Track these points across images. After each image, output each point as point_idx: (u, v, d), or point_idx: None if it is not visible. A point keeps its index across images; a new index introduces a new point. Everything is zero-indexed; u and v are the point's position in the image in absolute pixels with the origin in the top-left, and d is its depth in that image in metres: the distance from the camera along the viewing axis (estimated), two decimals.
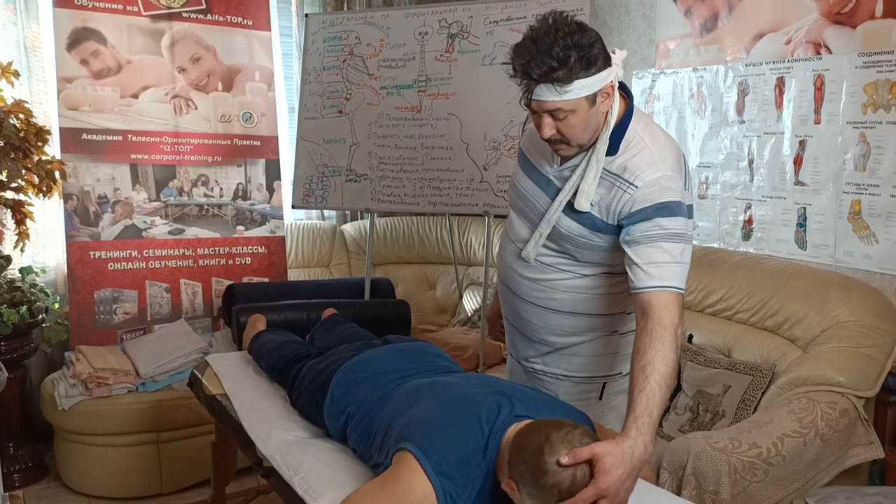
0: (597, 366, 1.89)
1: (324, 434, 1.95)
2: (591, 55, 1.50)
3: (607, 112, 1.61)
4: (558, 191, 1.70)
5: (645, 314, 1.55)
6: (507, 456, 1.40)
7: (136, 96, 3.55)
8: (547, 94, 1.51)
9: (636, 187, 1.61)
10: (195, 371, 2.56)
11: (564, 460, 1.30)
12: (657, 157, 1.63)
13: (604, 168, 1.65)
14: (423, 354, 1.96)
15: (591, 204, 1.66)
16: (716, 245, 3.37)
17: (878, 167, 2.79)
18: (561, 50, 1.46)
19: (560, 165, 1.71)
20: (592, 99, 1.54)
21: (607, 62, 1.55)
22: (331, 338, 2.52)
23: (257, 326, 2.69)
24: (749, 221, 3.29)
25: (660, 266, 1.57)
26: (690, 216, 1.65)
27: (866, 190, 2.84)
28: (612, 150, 1.64)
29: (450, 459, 1.42)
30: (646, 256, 1.58)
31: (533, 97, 1.52)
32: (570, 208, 1.70)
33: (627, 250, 1.62)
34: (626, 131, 1.65)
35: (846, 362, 2.31)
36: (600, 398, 1.92)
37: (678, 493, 1.99)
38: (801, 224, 3.08)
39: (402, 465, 1.42)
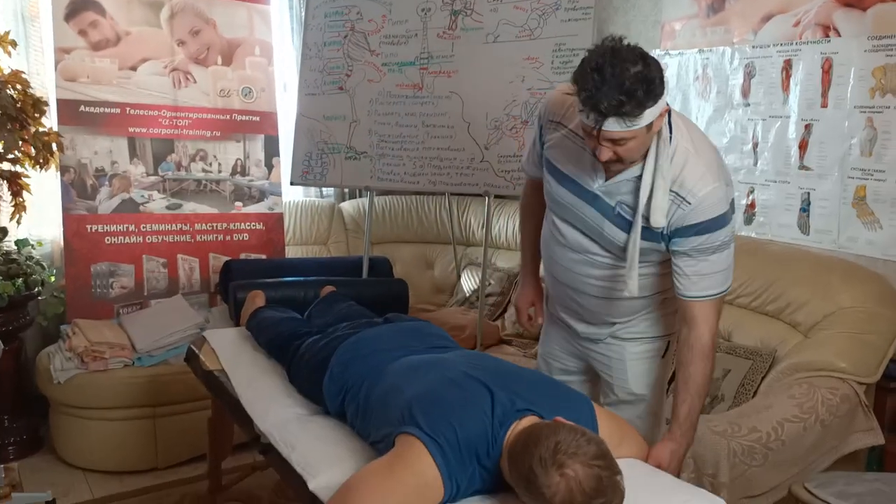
0: (662, 326, 1.94)
1: (322, 411, 1.94)
2: (657, 86, 1.52)
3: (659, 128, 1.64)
4: (611, 208, 1.73)
5: (687, 324, 1.74)
6: (507, 459, 1.40)
7: (134, 69, 3.51)
8: (615, 126, 1.52)
9: (689, 203, 1.66)
10: (192, 346, 2.55)
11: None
12: (704, 167, 1.67)
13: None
14: (425, 334, 1.95)
15: (644, 216, 1.67)
16: None
17: (884, 152, 2.76)
18: (630, 84, 1.47)
19: (606, 181, 1.73)
20: (650, 125, 1.57)
21: (663, 89, 1.56)
22: (329, 315, 2.50)
23: (256, 302, 2.67)
24: (752, 206, 3.27)
25: (706, 277, 1.70)
26: (734, 210, 1.73)
27: (872, 175, 2.81)
28: (668, 164, 1.67)
29: (455, 446, 1.41)
30: (694, 269, 1.70)
31: (602, 128, 1.53)
32: (628, 225, 1.72)
33: (677, 260, 1.71)
34: (671, 139, 1.66)
35: (848, 348, 2.30)
36: (663, 356, 1.95)
37: (677, 476, 1.98)
38: (805, 209, 3.06)
39: (409, 449, 1.41)
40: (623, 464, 1.37)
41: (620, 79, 1.47)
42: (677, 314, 1.81)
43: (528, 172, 2.04)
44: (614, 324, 1.93)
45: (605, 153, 1.59)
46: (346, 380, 1.81)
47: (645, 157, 1.65)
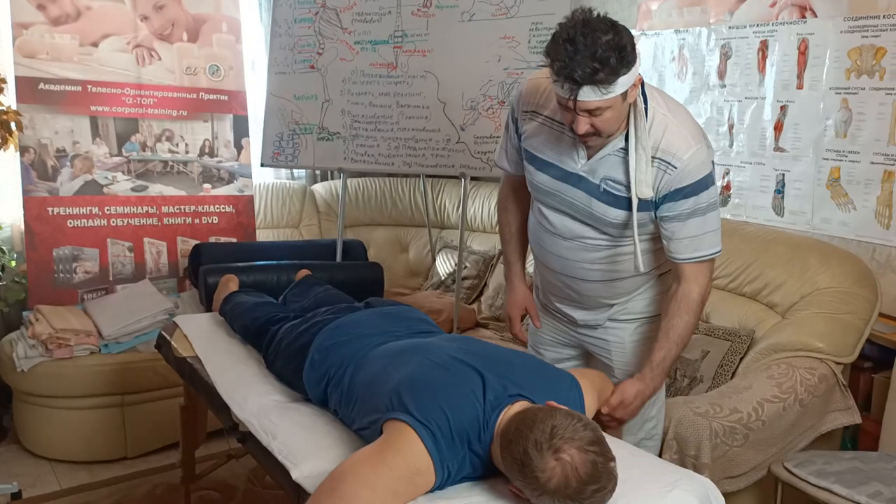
0: (660, 304, 1.93)
1: (302, 398, 1.89)
2: (629, 54, 1.53)
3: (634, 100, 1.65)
4: (596, 186, 1.74)
5: (678, 280, 1.78)
6: (499, 443, 1.38)
7: (95, 45, 3.38)
8: (590, 95, 1.53)
9: (675, 168, 1.67)
10: (163, 332, 2.47)
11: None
12: (685, 131, 1.69)
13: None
14: (407, 318, 1.91)
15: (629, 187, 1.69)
16: None
17: (859, 134, 2.78)
18: (603, 51, 1.49)
19: (588, 160, 1.74)
20: (625, 94, 1.57)
21: (636, 57, 1.58)
22: (306, 299, 2.44)
23: (229, 287, 2.60)
24: (727, 187, 3.27)
25: (697, 239, 1.72)
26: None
27: (846, 157, 2.83)
28: (647, 135, 1.68)
29: (447, 431, 1.38)
30: (683, 232, 1.72)
31: (578, 99, 1.54)
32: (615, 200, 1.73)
33: (667, 225, 1.72)
34: (647, 110, 1.68)
35: (825, 328, 2.31)
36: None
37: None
38: (780, 190, 3.07)
39: (399, 436, 1.37)
40: (611, 444, 1.35)
41: (593, 48, 1.48)
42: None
43: (504, 170, 2.01)
44: (613, 306, 1.93)
45: (583, 125, 1.59)
46: (328, 367, 1.76)
47: (627, 131, 1.67)
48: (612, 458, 1.32)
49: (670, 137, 1.67)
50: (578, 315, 1.97)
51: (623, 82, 1.53)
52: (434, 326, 1.93)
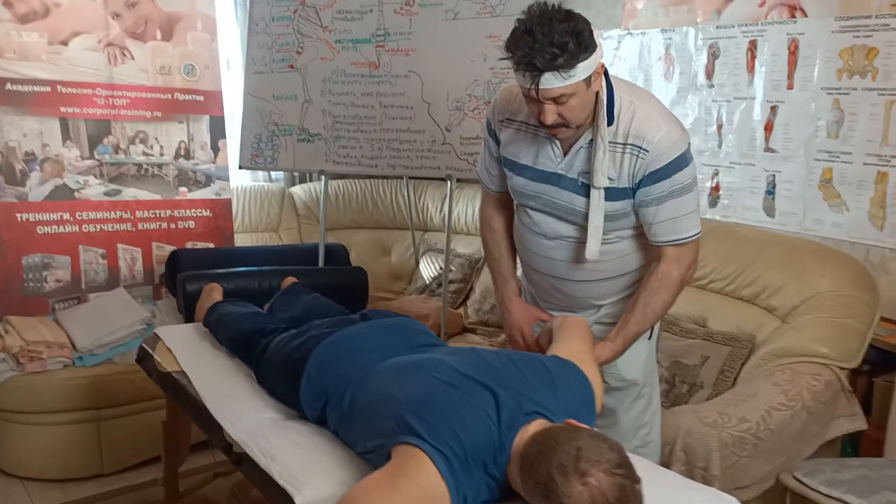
0: None
1: (297, 415, 1.80)
2: (586, 39, 1.57)
3: (598, 90, 1.68)
4: (574, 181, 1.75)
5: (659, 260, 1.79)
6: (519, 466, 1.30)
7: (65, 43, 3.23)
8: (553, 82, 1.57)
9: (647, 151, 1.68)
10: (145, 345, 2.35)
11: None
12: (654, 114, 1.71)
13: (609, 141, 1.70)
14: (407, 331, 1.83)
15: (610, 178, 1.71)
16: None
17: (851, 134, 2.76)
18: (560, 37, 1.53)
19: (564, 157, 1.76)
20: (588, 81, 1.61)
21: (595, 43, 1.63)
22: (294, 309, 2.35)
23: (213, 296, 2.49)
24: (716, 188, 3.24)
25: (676, 221, 1.72)
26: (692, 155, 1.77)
27: (838, 157, 2.81)
28: (609, 121, 1.70)
29: (462, 455, 1.30)
30: (661, 215, 1.72)
31: (540, 86, 1.57)
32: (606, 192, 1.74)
33: (646, 210, 1.73)
34: (613, 99, 1.70)
35: (829, 333, 2.28)
36: (650, 338, 1.95)
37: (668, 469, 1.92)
38: (770, 191, 3.05)
39: (411, 461, 1.29)
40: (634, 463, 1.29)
41: (550, 35, 1.53)
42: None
43: (488, 186, 2.00)
44: (600, 307, 1.92)
45: (549, 115, 1.62)
46: (327, 385, 1.67)
47: (593, 121, 1.69)
48: (639, 480, 1.26)
49: (638, 122, 1.69)
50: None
51: (584, 68, 1.57)
52: (435, 338, 1.85)
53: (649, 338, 1.96)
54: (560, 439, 1.25)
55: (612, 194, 1.72)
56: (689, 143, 1.74)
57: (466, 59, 3.19)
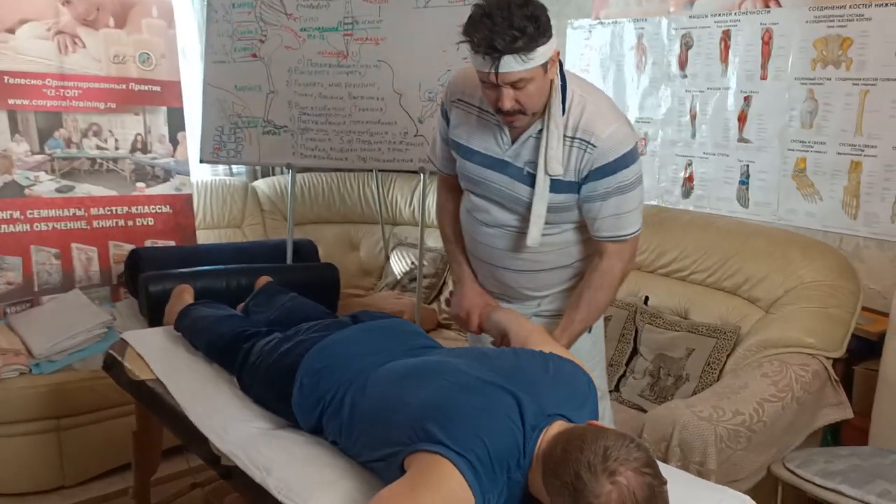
0: None
1: (288, 424, 1.71)
2: (544, 24, 1.57)
3: (553, 78, 1.67)
4: (520, 170, 1.74)
5: (601, 255, 1.79)
6: (542, 468, 1.26)
7: (12, 31, 3.04)
8: (512, 65, 1.56)
9: (595, 147, 1.67)
10: (112, 352, 2.22)
11: None
12: (604, 109, 1.71)
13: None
14: (401, 333, 1.75)
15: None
16: (654, 203, 3.31)
17: (825, 124, 2.78)
18: (520, 21, 1.53)
19: (512, 145, 1.74)
20: (545, 67, 1.60)
21: (551, 29, 1.63)
22: (271, 310, 2.25)
23: (184, 298, 2.37)
24: (690, 179, 3.25)
25: (620, 217, 1.72)
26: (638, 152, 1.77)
27: (812, 147, 2.83)
28: (562, 110, 1.69)
29: (487, 461, 1.25)
30: (605, 211, 1.72)
31: (500, 70, 1.56)
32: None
33: (590, 204, 1.72)
34: (566, 91, 1.69)
35: (814, 323, 2.29)
36: (590, 331, 1.91)
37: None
38: (744, 181, 3.06)
39: (434, 469, 1.23)
40: None
41: (510, 18, 1.53)
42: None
43: (441, 170, 1.98)
44: (538, 300, 1.92)
45: (507, 100, 1.60)
46: (322, 392, 1.59)
47: (544, 112, 1.68)
48: (665, 482, 1.23)
49: (588, 117, 1.68)
50: (505, 308, 1.90)
51: (542, 52, 1.57)
52: (431, 340, 1.78)
53: (590, 331, 1.92)
54: (587, 439, 1.22)
55: (557, 186, 1.71)
56: (637, 142, 1.75)
57: (439, 48, 3.12)
